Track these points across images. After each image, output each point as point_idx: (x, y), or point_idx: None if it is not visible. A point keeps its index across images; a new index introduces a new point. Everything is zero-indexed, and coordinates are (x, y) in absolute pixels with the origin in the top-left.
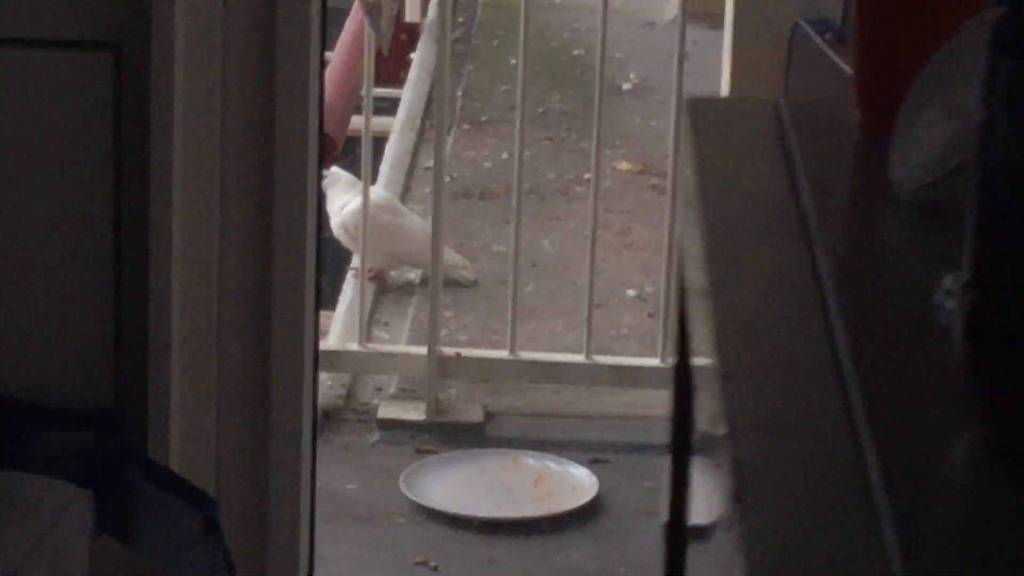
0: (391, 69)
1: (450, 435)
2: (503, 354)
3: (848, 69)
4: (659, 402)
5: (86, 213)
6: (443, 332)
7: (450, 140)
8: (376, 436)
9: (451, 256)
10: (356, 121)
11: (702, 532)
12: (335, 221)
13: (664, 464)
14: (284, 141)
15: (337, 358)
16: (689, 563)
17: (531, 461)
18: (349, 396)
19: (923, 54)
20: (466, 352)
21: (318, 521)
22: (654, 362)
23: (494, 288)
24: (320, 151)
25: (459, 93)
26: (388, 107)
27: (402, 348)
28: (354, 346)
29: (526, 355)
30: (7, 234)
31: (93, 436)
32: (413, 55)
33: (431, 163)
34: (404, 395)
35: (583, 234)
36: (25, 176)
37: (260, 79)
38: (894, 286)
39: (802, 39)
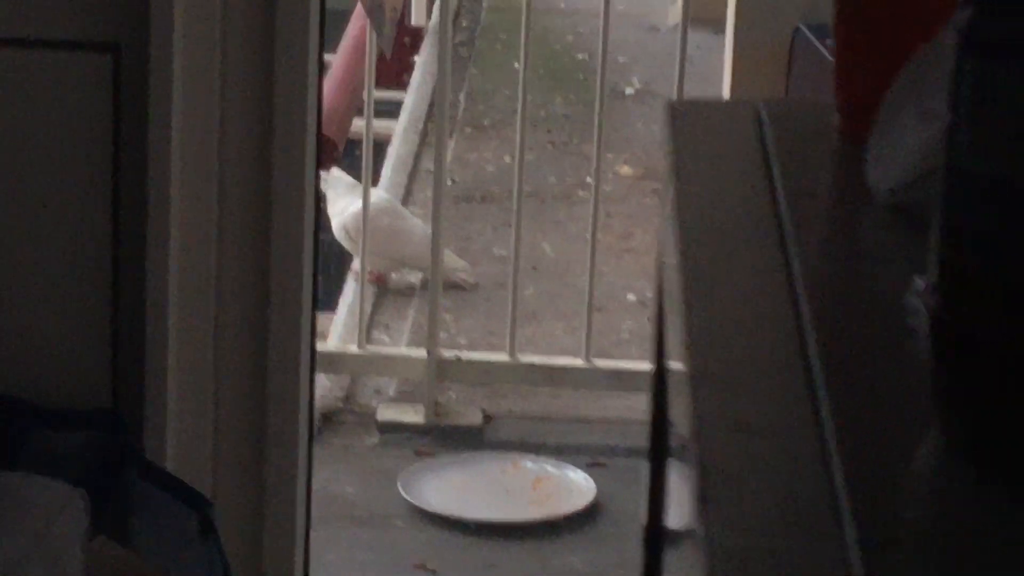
0: (394, 72)
1: (449, 438)
2: (503, 357)
3: None
4: None
5: (84, 214)
6: (443, 335)
7: (452, 143)
8: (375, 438)
9: (451, 259)
10: (358, 124)
11: (678, 536)
12: (336, 223)
13: (644, 468)
14: (282, 142)
15: (336, 360)
16: (666, 567)
17: (529, 464)
18: (348, 398)
19: (902, 58)
20: (465, 355)
21: (316, 523)
22: None
23: (494, 291)
24: (319, 152)
25: (462, 96)
26: (391, 110)
27: (401, 350)
28: (354, 348)
29: (525, 358)
30: (5, 235)
31: (90, 436)
32: (416, 58)
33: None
34: (403, 398)
35: (584, 238)
36: (23, 177)
37: (259, 80)
38: (867, 288)
39: (803, 43)
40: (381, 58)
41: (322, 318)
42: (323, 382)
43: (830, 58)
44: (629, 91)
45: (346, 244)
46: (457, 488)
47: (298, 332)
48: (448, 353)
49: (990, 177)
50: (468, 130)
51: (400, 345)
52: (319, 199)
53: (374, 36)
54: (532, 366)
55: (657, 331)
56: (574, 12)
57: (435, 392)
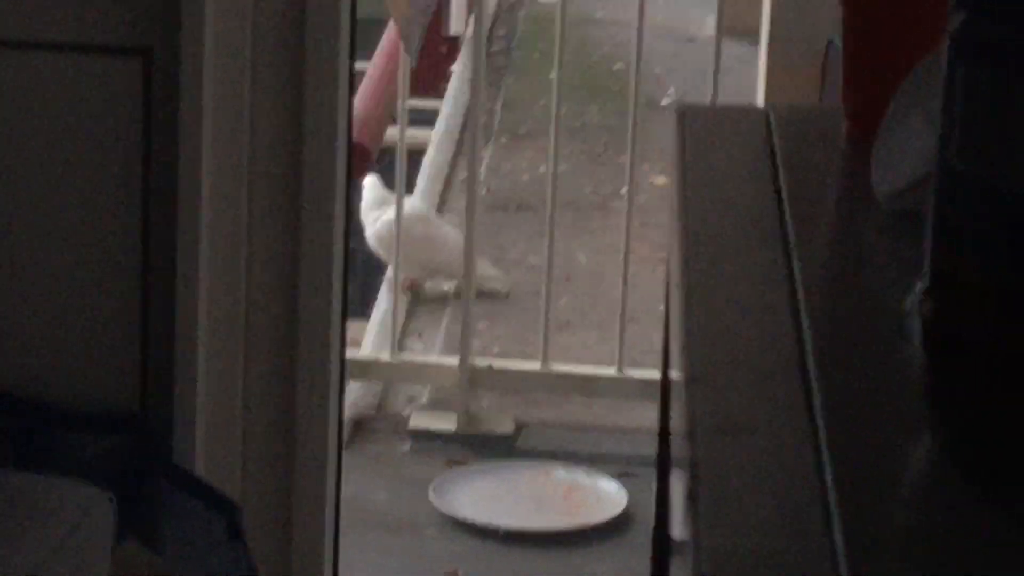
0: (431, 81)
1: (481, 446)
2: (535, 366)
3: None
4: None
5: (114, 217)
6: (476, 343)
7: (488, 153)
8: (407, 446)
9: (485, 268)
10: (394, 132)
11: (680, 544)
12: (370, 231)
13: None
14: (313, 147)
15: (369, 367)
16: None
17: (561, 473)
18: (381, 406)
19: (909, 63)
20: (498, 363)
21: (347, 529)
22: None
23: (528, 300)
24: (349, 159)
25: (498, 106)
26: (428, 119)
27: (434, 358)
28: (386, 356)
29: (558, 367)
30: (36, 237)
31: (118, 441)
32: (453, 67)
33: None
34: (436, 405)
35: (618, 248)
36: (54, 179)
37: (289, 85)
38: (868, 292)
39: (837, 56)
40: (418, 67)
41: (356, 326)
42: (356, 389)
43: None
44: (665, 102)
45: (380, 252)
46: (488, 496)
47: (328, 339)
48: (481, 361)
49: (981, 180)
50: (504, 139)
51: (434, 353)
52: (350, 206)
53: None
54: (564, 375)
55: (666, 339)
56: (611, 23)
57: (467, 400)
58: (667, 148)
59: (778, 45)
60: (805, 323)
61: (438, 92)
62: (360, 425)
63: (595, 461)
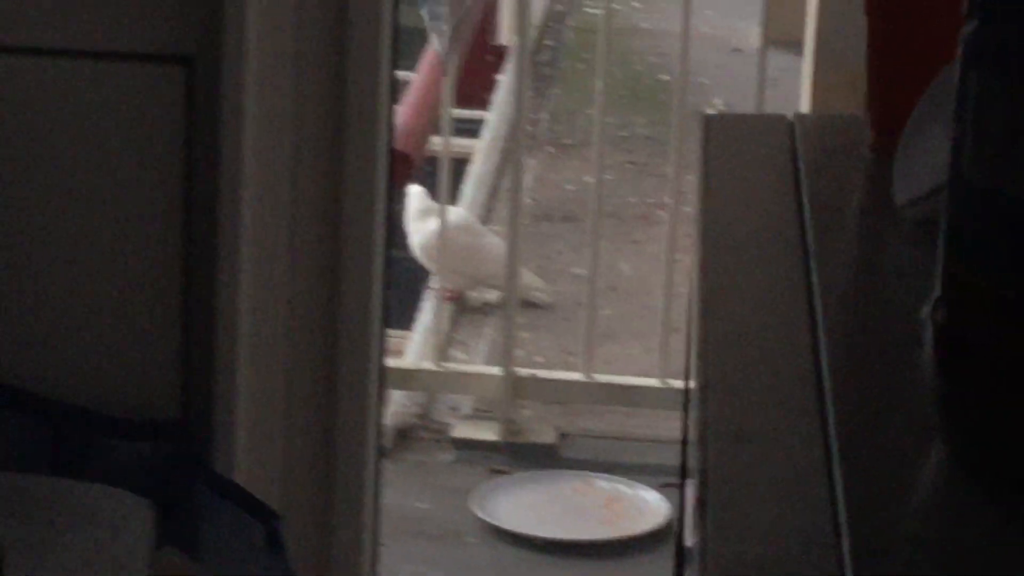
0: (478, 91)
1: (523, 456)
2: (578, 376)
3: None
4: None
5: (155, 225)
6: (519, 353)
7: (534, 163)
8: (450, 455)
9: (529, 278)
10: (439, 141)
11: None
12: (415, 241)
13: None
14: (355, 156)
15: (412, 377)
16: None
17: (603, 484)
18: (424, 415)
19: (933, 72)
20: (541, 373)
21: (388, 539)
22: None
23: (572, 310)
24: (390, 169)
25: (544, 116)
26: (474, 129)
27: (477, 368)
28: (429, 365)
29: (601, 377)
30: (77, 246)
31: (158, 447)
32: (500, 77)
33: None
34: (478, 415)
35: (662, 259)
36: (95, 188)
37: (331, 94)
38: (885, 300)
39: None
40: (465, 76)
41: (400, 335)
42: (399, 399)
43: None
44: (711, 112)
45: (425, 262)
46: (530, 506)
47: (368, 347)
48: (524, 371)
49: (992, 186)
50: (550, 149)
51: (477, 363)
52: (392, 215)
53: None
54: (607, 385)
55: (688, 349)
56: (659, 34)
57: (510, 410)
58: None
59: (823, 56)
60: (821, 331)
61: (485, 102)
62: (403, 434)
63: (637, 471)
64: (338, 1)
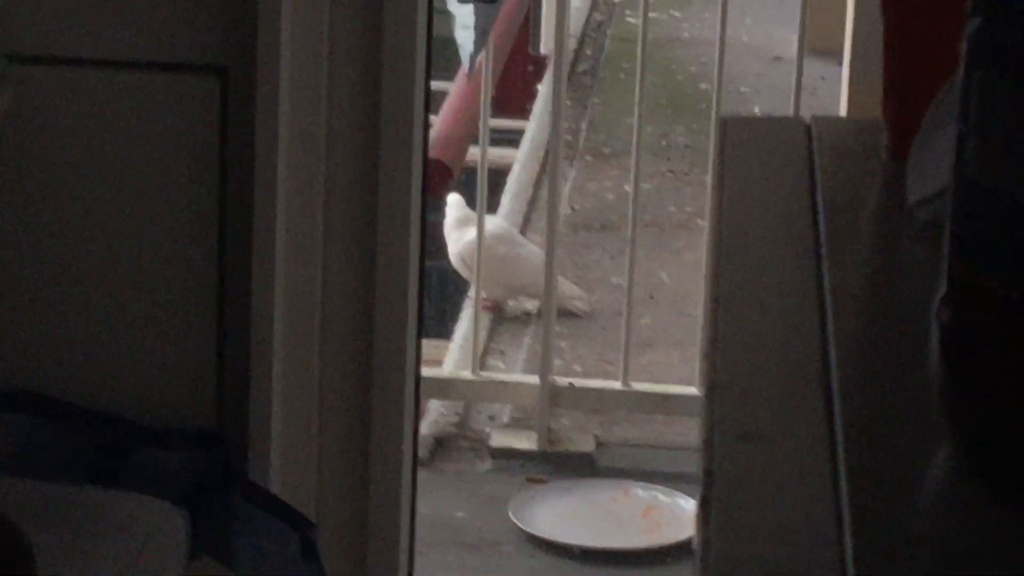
0: (517, 101)
1: (561, 464)
2: (616, 385)
3: None
4: None
5: (190, 235)
6: (557, 362)
7: (573, 172)
8: (488, 464)
9: (567, 287)
10: (476, 151)
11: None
12: (453, 251)
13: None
14: (389, 165)
15: (450, 386)
16: None
17: (641, 492)
18: (462, 424)
19: (949, 74)
20: (579, 382)
21: (426, 547)
22: None
23: (610, 319)
24: (425, 178)
25: (584, 125)
26: (514, 138)
27: (515, 377)
28: (467, 374)
29: (639, 386)
30: (113, 255)
31: (193, 456)
32: (540, 86)
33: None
34: (516, 424)
35: (701, 267)
36: (131, 198)
37: (365, 104)
38: (896, 302)
39: None
40: (504, 86)
41: (439, 345)
42: (437, 408)
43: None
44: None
45: (463, 272)
46: (567, 515)
47: (403, 356)
48: (561, 380)
49: (996, 185)
50: (589, 159)
51: (515, 372)
52: (430, 224)
53: (491, 63)
54: (645, 394)
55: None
56: (699, 43)
57: (548, 419)
58: None
59: (861, 63)
60: (831, 333)
61: (524, 112)
62: (441, 443)
63: (675, 480)
64: (372, 11)
